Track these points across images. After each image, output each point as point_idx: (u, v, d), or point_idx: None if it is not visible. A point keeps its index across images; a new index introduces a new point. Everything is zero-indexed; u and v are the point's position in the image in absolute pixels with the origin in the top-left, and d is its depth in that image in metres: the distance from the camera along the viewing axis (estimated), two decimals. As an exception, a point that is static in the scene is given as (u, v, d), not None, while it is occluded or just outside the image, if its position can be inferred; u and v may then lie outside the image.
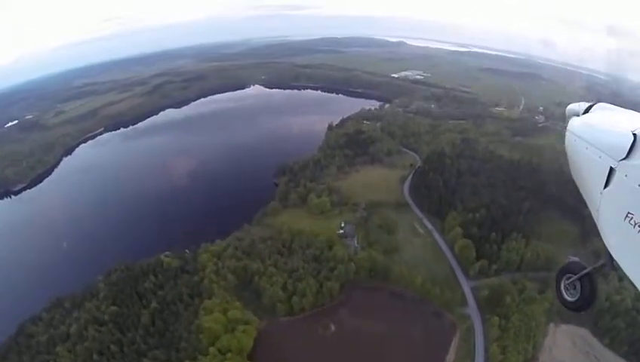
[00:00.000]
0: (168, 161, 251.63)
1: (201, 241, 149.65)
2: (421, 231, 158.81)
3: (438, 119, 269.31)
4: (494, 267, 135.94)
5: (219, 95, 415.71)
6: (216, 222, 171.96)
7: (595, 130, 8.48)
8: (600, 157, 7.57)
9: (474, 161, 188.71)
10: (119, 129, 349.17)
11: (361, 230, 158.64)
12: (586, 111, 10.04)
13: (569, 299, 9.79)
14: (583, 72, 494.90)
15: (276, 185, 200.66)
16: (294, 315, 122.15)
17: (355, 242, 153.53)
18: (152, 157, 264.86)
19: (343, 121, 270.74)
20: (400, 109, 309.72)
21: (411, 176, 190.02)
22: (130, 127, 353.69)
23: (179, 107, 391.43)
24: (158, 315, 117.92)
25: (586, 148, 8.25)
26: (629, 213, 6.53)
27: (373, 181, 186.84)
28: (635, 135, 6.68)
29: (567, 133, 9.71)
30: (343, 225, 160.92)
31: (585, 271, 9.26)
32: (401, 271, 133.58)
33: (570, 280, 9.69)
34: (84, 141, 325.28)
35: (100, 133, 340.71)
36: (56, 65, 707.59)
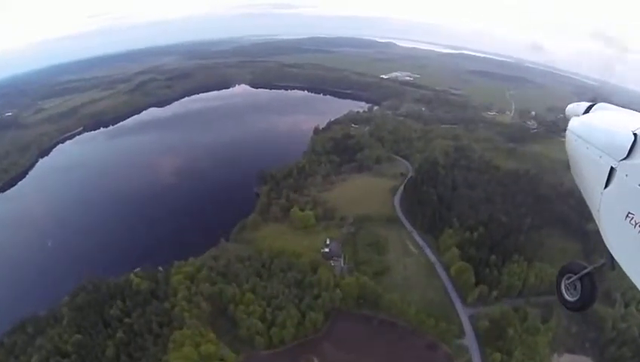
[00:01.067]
0: (146, 165, 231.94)
1: (175, 257, 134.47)
2: (414, 250, 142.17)
3: (429, 123, 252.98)
4: (494, 293, 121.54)
5: (204, 94, 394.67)
6: (192, 235, 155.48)
7: (595, 130, 8.29)
8: (600, 157, 7.40)
9: (469, 171, 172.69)
10: (99, 128, 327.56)
11: (348, 248, 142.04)
12: (586, 111, 9.89)
13: (569, 298, 9.34)
14: (571, 76, 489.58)
15: (257, 194, 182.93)
16: (274, 348, 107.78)
17: (342, 262, 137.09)
18: (129, 161, 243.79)
19: (330, 124, 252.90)
20: (389, 112, 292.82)
21: (403, 186, 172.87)
22: (111, 126, 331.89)
23: (162, 106, 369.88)
24: (123, 349, 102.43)
25: (587, 148, 8.10)
26: (629, 212, 6.33)
27: (361, 192, 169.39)
28: (635, 135, 6.54)
29: (567, 133, 9.35)
30: (328, 242, 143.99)
31: (585, 271, 8.87)
32: (392, 299, 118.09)
33: (571, 280, 9.26)
34: (62, 141, 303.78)
35: (79, 133, 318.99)
36: (40, 61, 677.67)
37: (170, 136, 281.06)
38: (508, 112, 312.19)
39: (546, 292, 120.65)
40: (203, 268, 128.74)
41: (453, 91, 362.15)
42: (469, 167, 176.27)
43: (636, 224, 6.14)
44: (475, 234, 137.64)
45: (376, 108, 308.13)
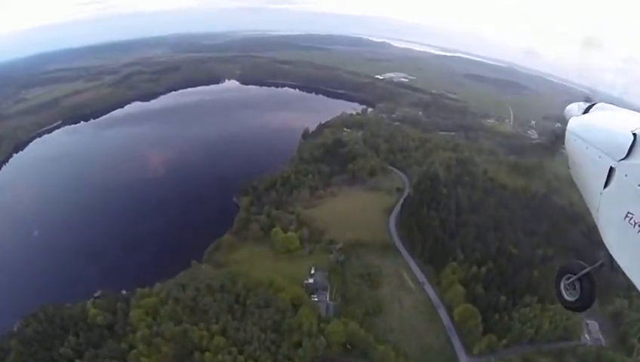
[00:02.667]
0: (121, 167, 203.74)
1: (141, 280, 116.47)
2: (411, 284, 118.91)
3: (427, 131, 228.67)
4: (504, 341, 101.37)
5: (191, 89, 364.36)
6: (163, 251, 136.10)
7: (594, 130, 8.14)
8: (600, 157, 7.31)
9: (473, 190, 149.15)
10: (79, 122, 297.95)
11: (335, 279, 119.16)
12: (586, 111, 9.78)
13: (569, 298, 9.13)
14: (565, 83, 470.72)
15: (237, 206, 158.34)
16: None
17: (328, 297, 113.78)
18: (104, 161, 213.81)
19: (320, 127, 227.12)
20: (384, 115, 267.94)
21: (399, 205, 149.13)
22: (91, 120, 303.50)
23: (147, 100, 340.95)
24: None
25: (586, 148, 7.95)
26: (628, 212, 6.25)
27: (352, 210, 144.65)
28: (634, 135, 6.47)
29: (567, 133, 9.17)
30: (313, 271, 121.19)
31: (585, 271, 8.69)
32: (386, 351, 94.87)
33: (570, 280, 9.05)
34: (40, 135, 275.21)
35: (58, 127, 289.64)
36: (28, 49, 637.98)
37: (151, 135, 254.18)
38: (507, 120, 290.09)
39: (561, 339, 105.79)
40: (168, 299, 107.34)
41: (449, 95, 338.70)
42: (473, 185, 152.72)
43: (635, 224, 5.99)
44: (483, 269, 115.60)
45: (370, 110, 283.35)
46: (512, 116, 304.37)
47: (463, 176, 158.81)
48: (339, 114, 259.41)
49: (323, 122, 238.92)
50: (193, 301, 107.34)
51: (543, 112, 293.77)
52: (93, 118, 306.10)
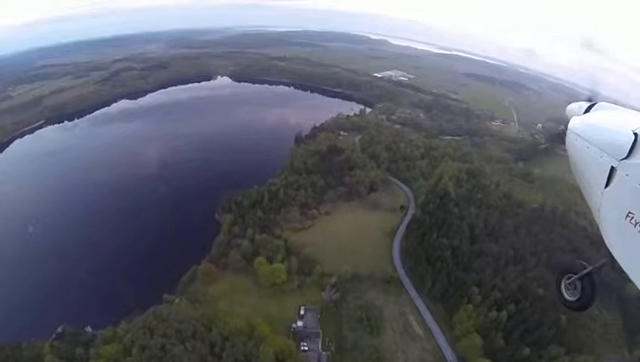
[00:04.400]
0: (101, 174, 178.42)
1: (107, 311, 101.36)
2: (418, 329, 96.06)
3: (431, 135, 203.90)
4: None
5: (182, 86, 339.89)
6: (133, 276, 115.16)
7: (595, 130, 7.94)
8: (601, 156, 7.10)
9: (489, 211, 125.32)
10: (62, 122, 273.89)
11: (329, 323, 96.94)
12: (587, 110, 9.59)
13: (569, 298, 8.99)
14: (564, 84, 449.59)
15: (219, 223, 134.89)
16: None
17: (320, 346, 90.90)
18: (83, 169, 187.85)
19: (314, 131, 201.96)
20: (384, 117, 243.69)
21: (404, 226, 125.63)
22: (76, 119, 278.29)
23: (134, 98, 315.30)
24: None
25: (587, 148, 7.74)
26: (629, 212, 6.09)
27: (349, 233, 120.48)
28: (635, 134, 6.31)
29: (568, 133, 8.98)
30: (302, 312, 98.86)
31: (585, 271, 8.57)
32: None
33: (571, 279, 8.91)
34: (21, 136, 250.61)
35: (40, 127, 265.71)
36: (22, 44, 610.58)
37: (133, 136, 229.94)
38: (512, 123, 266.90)
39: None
40: (133, 346, 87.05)
41: (452, 95, 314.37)
42: (487, 204, 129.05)
43: (636, 223, 5.86)
44: (503, 313, 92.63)
45: (369, 111, 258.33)
46: (515, 118, 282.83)
47: (475, 192, 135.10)
48: (335, 115, 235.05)
49: (318, 124, 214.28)
50: (161, 350, 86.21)
51: (547, 114, 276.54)
52: (77, 118, 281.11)
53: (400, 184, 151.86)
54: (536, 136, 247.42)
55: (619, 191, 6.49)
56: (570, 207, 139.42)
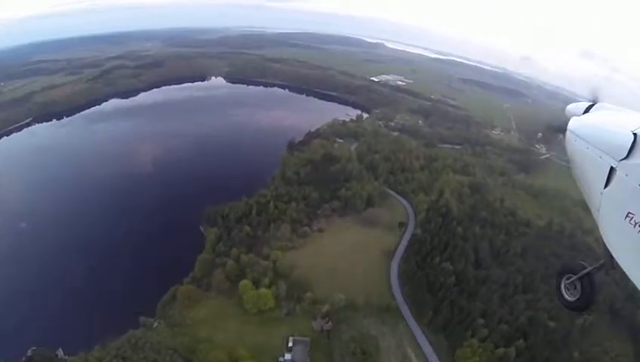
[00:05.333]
0: (84, 178, 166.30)
1: (80, 332, 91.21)
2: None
3: (430, 143, 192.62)
4: None
5: (175, 85, 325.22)
6: (110, 297, 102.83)
7: (595, 130, 7.81)
8: (600, 157, 6.99)
9: (494, 230, 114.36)
10: (51, 120, 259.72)
11: (320, 356, 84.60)
12: (586, 111, 9.40)
13: (569, 298, 8.84)
14: (560, 92, 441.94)
15: (203, 236, 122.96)
16: None
17: (309, 383, 79.45)
18: (68, 171, 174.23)
19: (308, 137, 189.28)
20: (381, 123, 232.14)
21: (403, 245, 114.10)
22: (64, 118, 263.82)
23: (126, 97, 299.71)
24: None
25: (587, 148, 7.64)
26: (629, 212, 5.99)
27: (344, 254, 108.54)
28: (635, 135, 6.20)
29: (567, 133, 8.85)
30: (290, 344, 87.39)
31: (585, 271, 8.46)
32: None
33: (571, 280, 8.78)
34: (8, 133, 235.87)
35: (28, 125, 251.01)
36: (19, 38, 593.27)
37: (120, 139, 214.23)
38: (512, 132, 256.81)
39: None
40: None
41: (450, 102, 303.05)
42: (492, 223, 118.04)
43: (636, 224, 5.76)
44: (511, 349, 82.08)
45: (365, 116, 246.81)
46: (514, 126, 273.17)
47: (479, 209, 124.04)
48: (330, 120, 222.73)
49: (312, 129, 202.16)
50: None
51: (545, 122, 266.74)
52: (67, 116, 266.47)
53: (399, 198, 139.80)
54: (536, 145, 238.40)
55: (618, 191, 6.31)
56: (577, 224, 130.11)
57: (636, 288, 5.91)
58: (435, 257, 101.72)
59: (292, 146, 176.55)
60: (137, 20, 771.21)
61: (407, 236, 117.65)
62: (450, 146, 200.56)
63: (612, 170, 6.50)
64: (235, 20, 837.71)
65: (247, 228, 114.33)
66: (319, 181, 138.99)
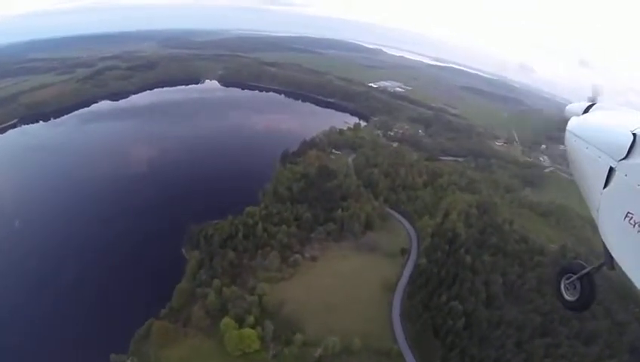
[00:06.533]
0: (64, 188, 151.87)
1: None
2: None
3: (433, 159, 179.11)
4: None
5: (167, 88, 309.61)
6: (79, 328, 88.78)
7: (594, 130, 7.63)
8: (600, 156, 6.84)
9: (507, 261, 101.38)
10: (37, 122, 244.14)
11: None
12: (586, 110, 9.20)
13: (569, 298, 8.65)
14: (559, 100, 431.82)
15: (184, 259, 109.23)
16: None
17: None
18: (46, 182, 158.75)
19: (303, 147, 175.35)
20: (380, 132, 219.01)
21: (406, 276, 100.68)
22: (52, 119, 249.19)
23: (116, 99, 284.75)
24: None
25: (586, 148, 7.45)
26: (628, 212, 5.85)
27: (340, 287, 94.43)
28: (634, 134, 6.05)
29: (566, 133, 8.62)
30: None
31: (585, 271, 8.26)
32: None
33: (570, 280, 8.58)
34: None
35: (13, 126, 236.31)
36: (15, 36, 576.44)
37: (105, 146, 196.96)
38: (515, 143, 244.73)
39: None
40: None
41: (451, 110, 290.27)
42: (504, 251, 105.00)
43: (635, 224, 5.64)
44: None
45: (364, 125, 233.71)
46: (516, 137, 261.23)
47: (488, 234, 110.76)
48: (327, 128, 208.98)
49: (307, 138, 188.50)
50: None
51: (546, 132, 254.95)
52: (54, 118, 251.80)
53: (400, 218, 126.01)
54: (540, 158, 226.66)
55: (618, 191, 6.21)
56: (589, 248, 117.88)
57: (636, 288, 5.67)
58: (442, 294, 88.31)
59: (285, 157, 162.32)
60: (137, 20, 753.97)
61: (409, 265, 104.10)
62: (452, 158, 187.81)
63: (611, 170, 6.31)
64: (234, 23, 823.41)
65: (231, 254, 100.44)
66: (314, 199, 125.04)
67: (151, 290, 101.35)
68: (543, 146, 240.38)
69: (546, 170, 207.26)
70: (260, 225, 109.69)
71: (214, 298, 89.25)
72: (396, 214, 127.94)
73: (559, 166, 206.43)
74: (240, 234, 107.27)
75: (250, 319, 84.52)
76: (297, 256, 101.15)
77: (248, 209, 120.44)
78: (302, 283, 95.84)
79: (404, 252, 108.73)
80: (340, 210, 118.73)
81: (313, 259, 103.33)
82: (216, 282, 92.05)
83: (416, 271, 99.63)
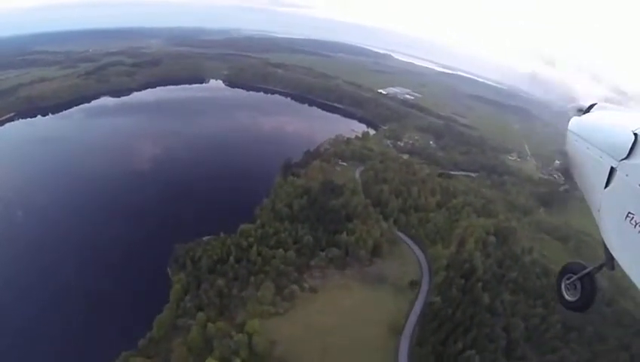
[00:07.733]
0: (51, 192, 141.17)
1: None
2: None
3: (445, 176, 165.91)
4: None
5: (171, 86, 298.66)
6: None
7: (595, 130, 7.61)
8: (601, 157, 6.83)
9: (527, 298, 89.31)
10: (35, 116, 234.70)
11: None
12: (587, 111, 9.09)
13: (569, 299, 8.54)
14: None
15: (169, 279, 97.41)
16: None
17: None
18: (36, 183, 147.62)
19: (307, 157, 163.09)
20: (389, 142, 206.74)
21: (416, 313, 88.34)
22: (50, 115, 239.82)
23: (118, 96, 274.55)
24: None
25: (587, 148, 7.47)
26: (629, 212, 5.87)
27: (341, 326, 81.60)
28: (635, 134, 6.05)
29: (567, 133, 8.69)
30: None
31: (585, 271, 8.16)
32: None
33: (571, 280, 8.49)
34: None
35: (10, 120, 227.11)
36: (24, 27, 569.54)
37: (98, 148, 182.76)
38: (528, 158, 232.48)
39: None
40: None
41: (461, 120, 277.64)
42: (524, 287, 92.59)
43: (636, 224, 5.63)
44: None
45: (372, 133, 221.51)
46: (528, 151, 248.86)
47: (507, 267, 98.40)
48: (333, 136, 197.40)
49: (313, 147, 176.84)
50: None
51: (557, 145, 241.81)
52: (52, 113, 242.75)
53: (410, 243, 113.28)
54: (554, 175, 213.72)
55: (619, 191, 6.19)
56: (613, 282, 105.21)
57: (636, 288, 5.63)
58: (458, 341, 75.80)
59: (287, 168, 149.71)
60: (146, 16, 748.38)
61: (420, 301, 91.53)
62: (465, 173, 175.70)
63: (612, 170, 6.28)
64: (244, 23, 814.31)
65: (220, 282, 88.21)
66: (316, 219, 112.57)
67: (132, 314, 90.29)
68: (557, 162, 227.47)
69: (561, 188, 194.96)
70: (254, 248, 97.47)
71: (198, 334, 77.15)
72: (405, 238, 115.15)
73: (572, 180, 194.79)
74: (232, 258, 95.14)
75: (237, 359, 72.46)
76: (294, 287, 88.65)
77: (243, 227, 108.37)
78: (298, 319, 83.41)
79: (414, 284, 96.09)
80: (344, 233, 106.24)
81: (312, 290, 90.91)
82: (200, 316, 79.88)
83: (427, 310, 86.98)
